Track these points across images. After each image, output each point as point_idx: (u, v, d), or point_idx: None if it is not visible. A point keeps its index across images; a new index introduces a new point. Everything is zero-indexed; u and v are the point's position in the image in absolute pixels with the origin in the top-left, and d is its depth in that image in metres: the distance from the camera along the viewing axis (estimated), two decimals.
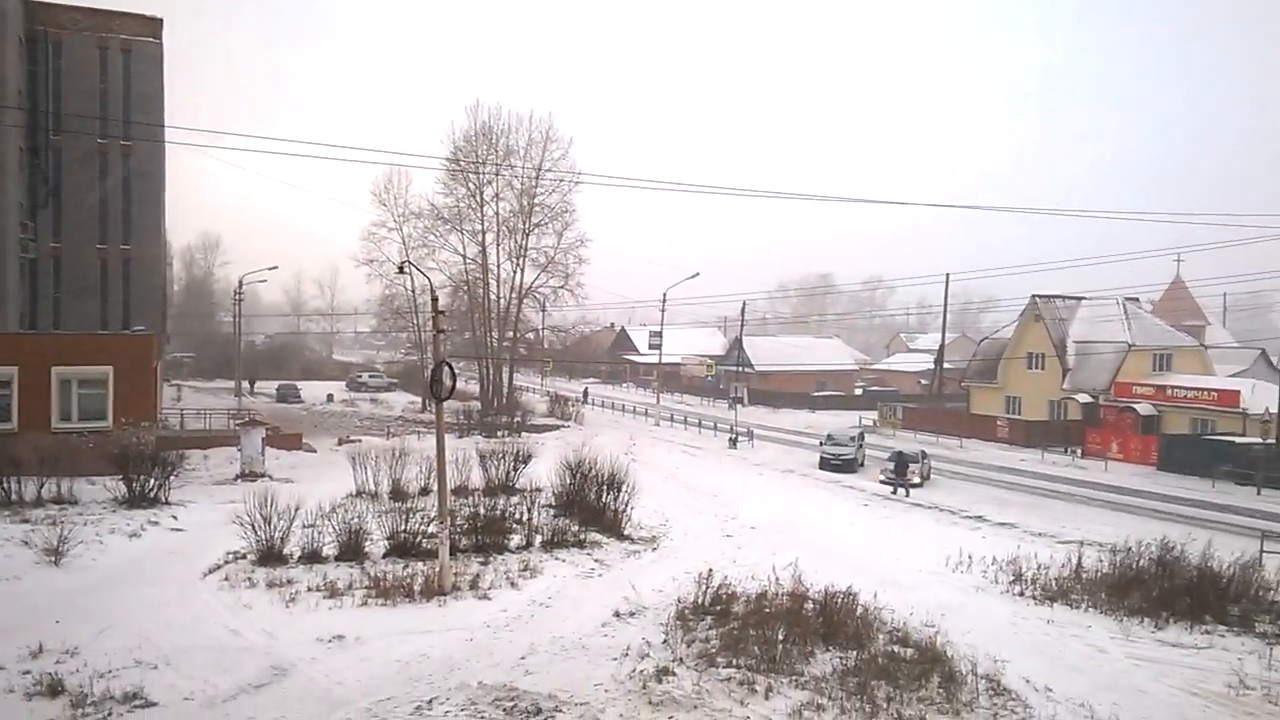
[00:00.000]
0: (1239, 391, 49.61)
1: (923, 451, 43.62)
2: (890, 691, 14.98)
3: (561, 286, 65.93)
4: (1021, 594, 22.03)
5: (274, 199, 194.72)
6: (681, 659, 16.34)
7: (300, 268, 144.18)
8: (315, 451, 44.00)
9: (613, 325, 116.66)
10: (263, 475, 34.83)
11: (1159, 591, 20.86)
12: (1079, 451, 51.37)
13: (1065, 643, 18.58)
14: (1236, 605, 20.43)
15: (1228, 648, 18.32)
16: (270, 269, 76.18)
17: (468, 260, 64.39)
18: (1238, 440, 45.29)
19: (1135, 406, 51.69)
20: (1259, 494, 39.67)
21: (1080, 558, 23.75)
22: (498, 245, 64.45)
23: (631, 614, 19.18)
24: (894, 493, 38.02)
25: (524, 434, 51.82)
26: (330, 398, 74.45)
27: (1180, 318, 72.76)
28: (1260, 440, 44.49)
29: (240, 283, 77.16)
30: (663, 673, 15.59)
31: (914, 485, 39.16)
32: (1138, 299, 61.99)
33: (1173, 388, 52.68)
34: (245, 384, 74.68)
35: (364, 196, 69.03)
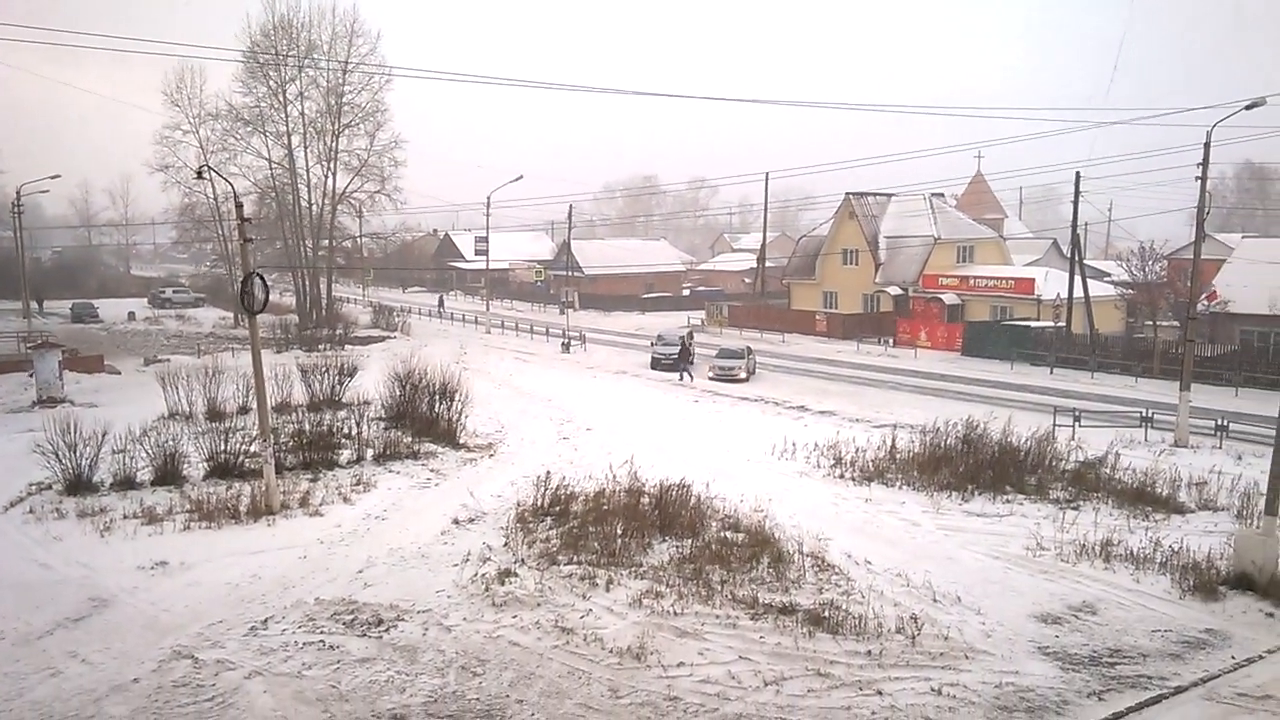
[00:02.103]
0: (1034, 279, 53.47)
1: (748, 348, 45.08)
2: (724, 574, 15.69)
3: (378, 191, 63.25)
4: (842, 476, 23.32)
5: (50, 101, 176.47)
6: (523, 560, 16.50)
7: (87, 176, 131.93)
8: (119, 373, 41.18)
9: (435, 231, 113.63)
10: (63, 401, 32.48)
11: (965, 467, 22.55)
12: (891, 341, 54.36)
13: (882, 519, 19.87)
14: (1033, 475, 22.37)
15: (1026, 514, 20.08)
16: (52, 178, 69.44)
17: (274, 164, 60.62)
18: (1033, 325, 49.03)
19: (941, 297, 54.94)
20: (1052, 373, 43.27)
21: (894, 440, 25.30)
22: (305, 148, 60.94)
23: (471, 520, 19.16)
24: (680, 379, 41.22)
25: (347, 347, 50.16)
26: (132, 316, 69.49)
27: (981, 211, 77.28)
28: (1053, 324, 48.30)
29: (18, 194, 70.06)
30: (505, 575, 15.72)
31: (739, 379, 40.63)
32: (943, 194, 65.30)
33: (975, 278, 56.20)
34: (34, 304, 68.59)
35: (154, 98, 63.29)
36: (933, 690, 12.10)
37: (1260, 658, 13.40)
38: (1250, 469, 23.19)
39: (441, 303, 79.69)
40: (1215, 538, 17.95)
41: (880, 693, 12.01)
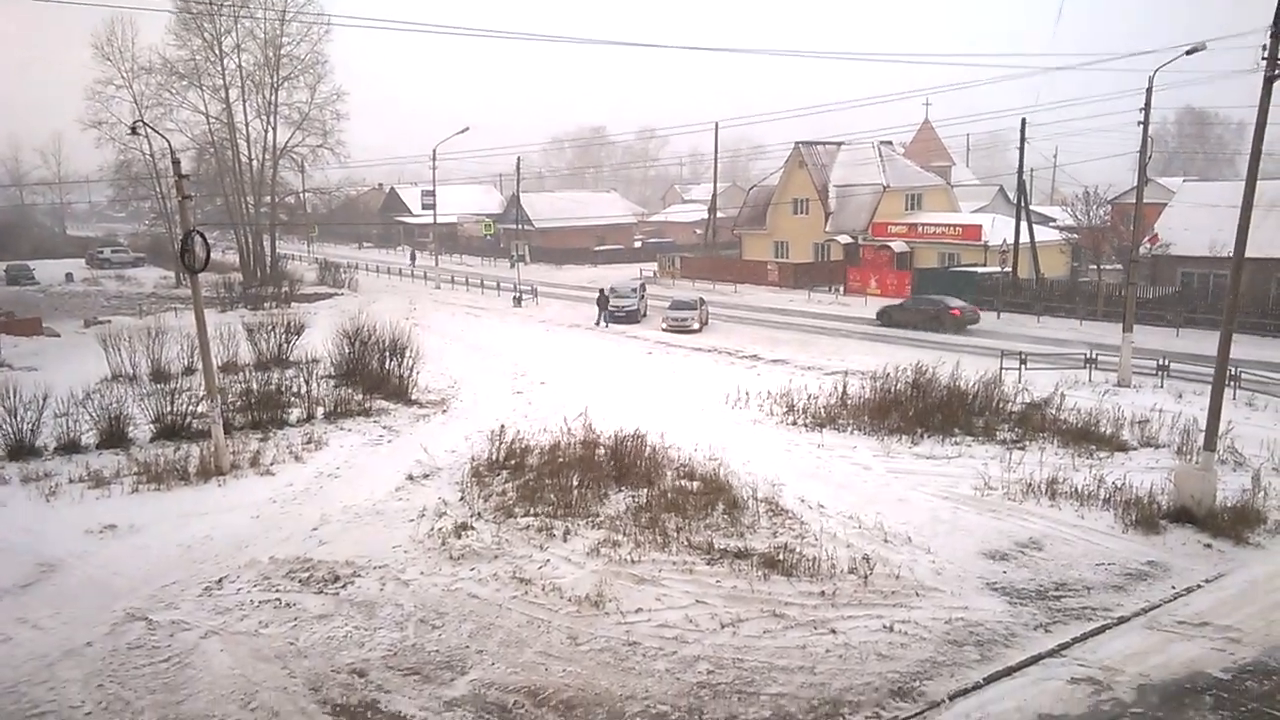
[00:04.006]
0: (980, 226, 54.03)
1: (701, 299, 45.13)
2: (680, 522, 15.84)
3: (320, 146, 61.86)
4: (794, 423, 23.56)
5: None
6: (479, 514, 16.50)
7: (15, 134, 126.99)
8: (59, 336, 40.14)
9: (381, 186, 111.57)
10: (0, 365, 31.52)
11: (914, 411, 22.89)
12: (841, 289, 54.74)
13: (834, 464, 20.15)
14: (981, 418, 22.79)
15: (974, 456, 20.47)
16: None
17: (211, 119, 58.95)
18: (980, 270, 49.63)
19: (890, 244, 55.33)
20: (999, 318, 43.91)
21: (845, 386, 25.55)
22: (244, 102, 59.28)
23: (425, 476, 19.07)
24: (600, 324, 43.01)
25: (294, 304, 49.32)
26: (70, 277, 67.56)
27: (929, 159, 77.66)
28: (999, 269, 48.93)
29: None
30: (461, 528, 15.71)
31: (692, 330, 40.79)
32: (891, 142, 65.43)
33: (923, 225, 56.64)
34: None
35: (84, 51, 60.77)
36: (885, 627, 12.37)
37: (1199, 587, 13.88)
38: (1190, 407, 23.82)
39: (414, 258, 78.16)
40: (1156, 474, 18.47)
41: (834, 631, 12.26)
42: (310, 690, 10.85)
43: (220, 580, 13.85)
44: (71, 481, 18.51)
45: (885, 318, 42.83)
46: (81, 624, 12.45)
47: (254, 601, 13.12)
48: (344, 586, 13.64)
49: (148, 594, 13.37)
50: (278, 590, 13.51)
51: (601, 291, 45.52)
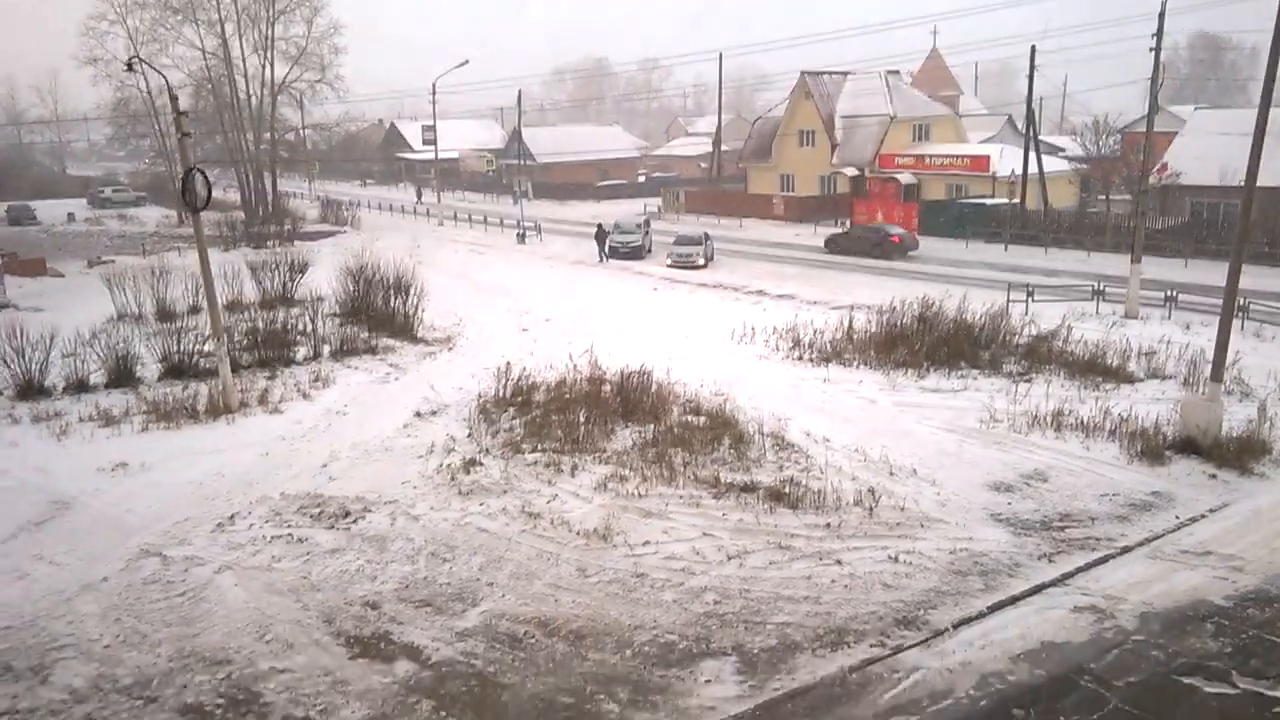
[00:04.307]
0: (989, 156, 53.31)
1: (706, 234, 44.79)
2: (686, 457, 15.92)
3: (319, 81, 61.05)
4: (800, 358, 23.56)
5: None
6: (487, 450, 16.60)
7: (10, 72, 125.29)
8: (63, 276, 40.13)
9: (381, 121, 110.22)
10: (6, 305, 31.64)
11: (920, 345, 22.85)
12: (848, 223, 54.29)
13: (840, 398, 20.19)
14: (988, 351, 22.76)
15: (980, 389, 20.49)
16: None
17: (207, 55, 58.05)
18: (988, 202, 49.13)
19: (897, 176, 54.67)
20: (1006, 250, 43.62)
21: (851, 321, 25.52)
22: (240, 37, 58.23)
23: (433, 413, 19.16)
24: (601, 260, 43.24)
25: (296, 242, 49.08)
26: (72, 217, 67.26)
27: (937, 88, 76.38)
28: (1007, 200, 48.43)
29: None
30: (470, 464, 15.82)
31: (697, 266, 40.59)
32: (898, 71, 64.34)
33: (931, 156, 55.89)
34: None
35: None
36: (890, 558, 12.50)
37: (1203, 516, 13.97)
38: (1198, 338, 23.77)
39: (420, 195, 77.42)
40: (1162, 405, 18.48)
41: (839, 562, 12.39)
42: (324, 623, 11.03)
43: (232, 516, 14.01)
44: (81, 420, 18.63)
45: (832, 245, 44.78)
46: (97, 560, 12.63)
47: (266, 537, 13.28)
48: (355, 522, 13.79)
49: (161, 530, 13.54)
50: (289, 526, 13.67)
51: (600, 227, 45.22)
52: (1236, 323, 21.62)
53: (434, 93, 61.76)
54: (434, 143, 67.07)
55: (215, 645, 10.56)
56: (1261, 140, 16.28)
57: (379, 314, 27.41)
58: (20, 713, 9.39)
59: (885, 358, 22.66)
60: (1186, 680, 9.85)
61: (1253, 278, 26.89)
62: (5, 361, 20.22)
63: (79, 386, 20.78)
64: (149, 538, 13.29)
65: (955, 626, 10.91)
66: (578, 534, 13.23)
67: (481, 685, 9.83)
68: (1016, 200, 47.44)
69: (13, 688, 9.80)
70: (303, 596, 11.63)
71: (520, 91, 69.43)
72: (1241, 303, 24.11)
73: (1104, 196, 46.64)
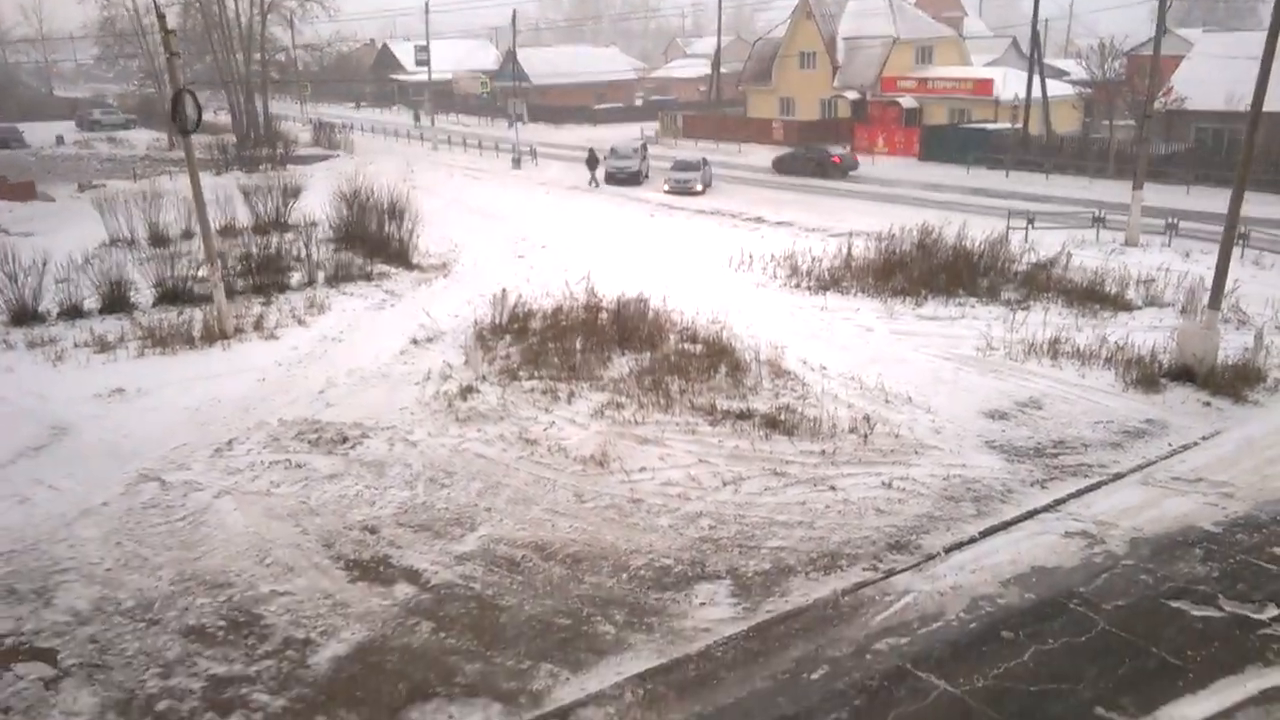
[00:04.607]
0: (992, 80, 52.45)
1: (704, 159, 44.22)
2: (683, 384, 15.94)
3: None
4: (798, 286, 23.46)
5: None
6: (484, 377, 16.60)
7: None
8: (53, 200, 39.62)
9: (373, 41, 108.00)
10: None
11: (919, 272, 22.75)
12: (849, 147, 53.60)
13: (837, 326, 20.16)
14: (986, 278, 22.65)
15: (978, 316, 20.45)
16: None
17: None
18: (990, 127, 48.46)
19: (899, 100, 53.87)
20: (1008, 176, 43.18)
21: (849, 248, 25.34)
22: None
23: (429, 340, 19.13)
24: (592, 185, 43.33)
25: (289, 166, 48.50)
26: (60, 140, 66.23)
27: (940, 9, 74.75)
28: (1010, 125, 47.76)
29: None
30: (467, 391, 15.84)
31: (695, 192, 40.17)
32: None
33: (933, 79, 54.95)
34: None
35: None
36: (883, 484, 12.61)
37: (1195, 444, 14.08)
38: (1197, 265, 23.67)
39: (418, 118, 76.11)
40: (1160, 333, 18.47)
41: (833, 488, 12.50)
42: (323, 547, 11.15)
43: (230, 442, 14.06)
44: (76, 346, 18.58)
45: (780, 165, 47.19)
46: (96, 484, 12.71)
47: (264, 462, 13.36)
48: (353, 447, 13.86)
49: (159, 455, 13.60)
50: (287, 451, 13.73)
51: (591, 151, 44.72)
52: (1237, 251, 21.53)
53: (427, 11, 60.39)
54: (427, 64, 65.72)
55: (216, 569, 10.68)
56: (1270, 64, 15.93)
57: (374, 240, 27.18)
58: (25, 634, 9.53)
59: (883, 285, 22.57)
60: (1174, 604, 10.02)
61: (1255, 205, 26.62)
62: None
63: (73, 312, 20.67)
64: (147, 463, 13.36)
65: (947, 551, 11.06)
66: (574, 460, 13.31)
67: (480, 607, 9.98)
68: (1019, 125, 46.77)
69: (17, 609, 9.93)
70: (302, 521, 11.73)
71: (515, 11, 67.93)
72: (1243, 230, 23.93)
73: (1108, 122, 45.96)
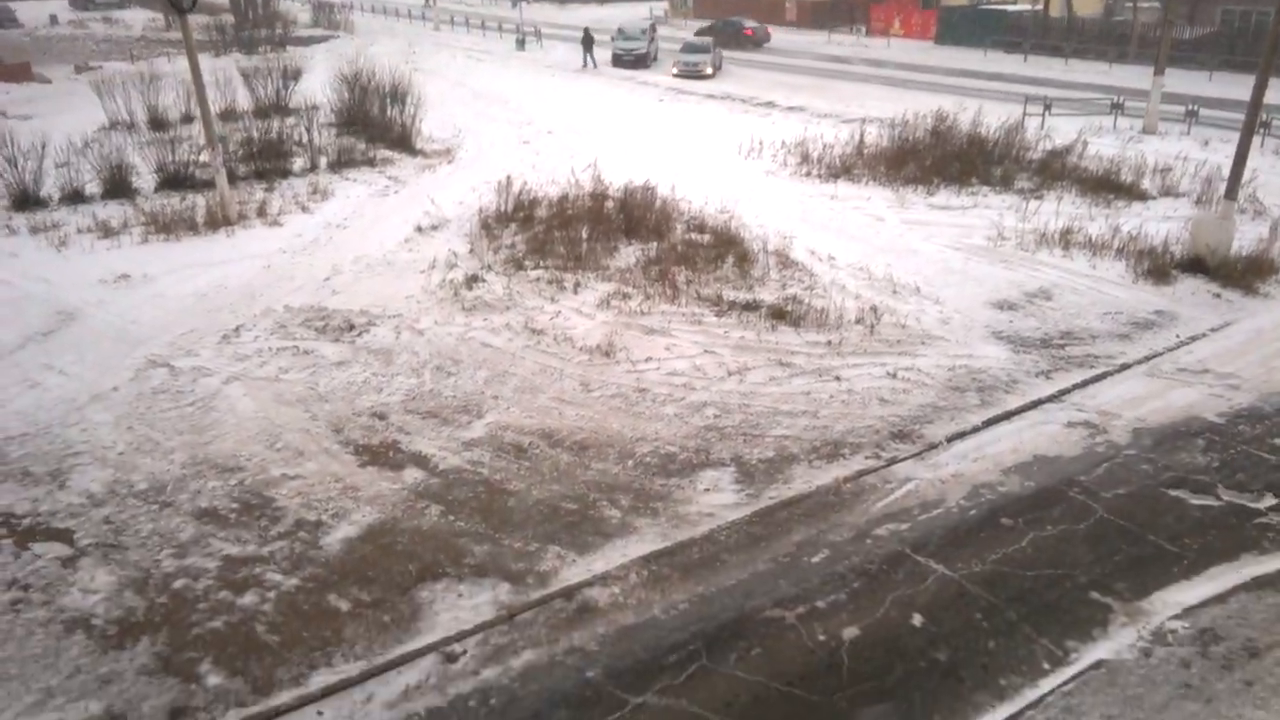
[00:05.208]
0: None
1: (713, 41, 42.99)
2: (690, 275, 15.84)
3: None
4: (809, 174, 23.07)
5: None
6: (490, 266, 16.51)
7: None
8: (50, 82, 38.78)
9: None
10: None
11: (931, 160, 22.32)
12: (864, 30, 52.09)
13: (847, 215, 19.89)
14: (999, 167, 22.23)
15: (990, 206, 20.15)
16: None
17: None
18: (1009, 9, 46.90)
19: None
20: (1025, 61, 41.97)
21: (862, 135, 24.82)
22: None
23: (434, 227, 18.95)
24: (585, 66, 42.75)
25: (289, 48, 47.24)
26: (54, 19, 64.46)
27: None
28: (1029, 8, 46.19)
29: None
30: (472, 280, 15.77)
31: (705, 75, 39.17)
32: None
33: None
34: None
35: None
36: (888, 374, 12.64)
37: (1203, 335, 14.04)
38: (1216, 154, 23.17)
39: (428, 2, 73.69)
40: (1173, 223, 18.22)
41: (838, 378, 12.53)
42: (333, 432, 11.28)
43: (237, 328, 14.09)
44: (80, 231, 18.45)
45: (702, 35, 47.30)
46: (105, 370, 12.79)
47: (272, 349, 13.41)
48: (360, 335, 13.88)
49: (167, 341, 13.66)
50: (295, 338, 13.77)
51: (586, 31, 43.73)
52: (1257, 140, 21.08)
53: None
54: None
55: (227, 453, 10.84)
56: None
57: (376, 124, 26.68)
58: (42, 515, 9.74)
59: (895, 174, 22.19)
60: (1173, 493, 10.14)
61: (1279, 92, 25.95)
62: None
63: (74, 197, 20.46)
64: (156, 348, 13.42)
65: (949, 440, 11.15)
66: (581, 350, 13.33)
67: (488, 491, 10.14)
68: (1039, 7, 45.24)
69: (33, 491, 10.13)
70: (311, 407, 11.84)
71: None
72: (1264, 119, 23.37)
73: (1131, 4, 44.40)
